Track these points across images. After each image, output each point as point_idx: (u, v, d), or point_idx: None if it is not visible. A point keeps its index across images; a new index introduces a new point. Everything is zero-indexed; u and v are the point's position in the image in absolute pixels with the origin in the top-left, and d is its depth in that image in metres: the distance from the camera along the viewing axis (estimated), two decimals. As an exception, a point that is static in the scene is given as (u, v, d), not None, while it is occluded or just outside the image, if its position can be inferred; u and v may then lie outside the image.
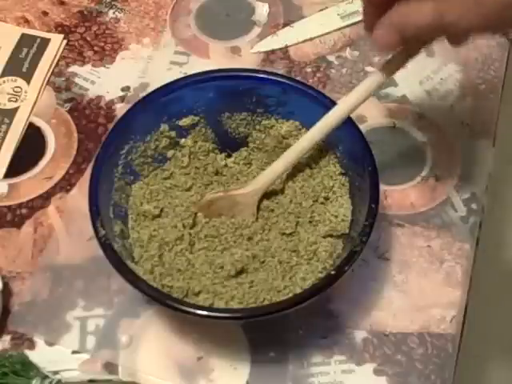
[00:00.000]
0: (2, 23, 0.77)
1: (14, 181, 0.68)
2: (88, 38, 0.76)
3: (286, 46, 0.76)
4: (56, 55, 0.75)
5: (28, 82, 0.73)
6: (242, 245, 0.60)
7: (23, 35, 0.76)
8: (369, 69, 0.74)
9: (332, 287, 0.54)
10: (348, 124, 0.59)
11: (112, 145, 0.60)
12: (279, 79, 0.62)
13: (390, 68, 0.56)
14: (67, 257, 0.64)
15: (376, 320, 0.61)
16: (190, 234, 0.60)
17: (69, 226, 0.65)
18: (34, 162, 0.69)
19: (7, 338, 0.60)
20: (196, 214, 0.61)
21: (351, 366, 0.59)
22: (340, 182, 0.61)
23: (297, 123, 0.62)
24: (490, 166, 0.69)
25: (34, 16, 0.78)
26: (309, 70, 0.74)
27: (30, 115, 0.71)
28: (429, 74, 0.74)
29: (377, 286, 0.62)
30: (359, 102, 0.57)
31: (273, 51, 0.76)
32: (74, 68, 0.74)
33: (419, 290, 0.62)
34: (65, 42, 0.76)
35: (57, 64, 0.75)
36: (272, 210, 0.62)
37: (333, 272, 0.54)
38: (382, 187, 0.61)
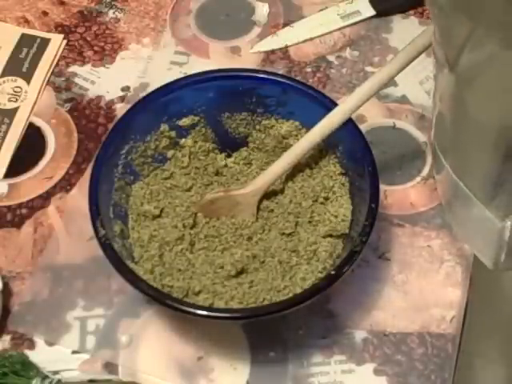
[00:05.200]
0: (2, 23, 0.77)
1: (14, 181, 0.68)
2: (88, 38, 0.76)
3: (286, 46, 0.76)
4: (56, 55, 0.75)
5: (28, 82, 0.73)
6: (242, 245, 0.60)
7: (23, 35, 0.76)
8: (369, 69, 0.74)
9: (332, 287, 0.54)
10: (348, 124, 0.59)
11: (112, 145, 0.60)
12: (279, 79, 0.62)
13: (392, 69, 0.56)
14: (67, 257, 0.64)
15: (376, 320, 0.61)
16: (191, 234, 0.60)
17: (69, 226, 0.65)
18: (34, 162, 0.69)
19: (7, 337, 0.60)
20: (196, 214, 0.62)
21: (351, 366, 0.59)
22: (340, 182, 0.61)
23: (297, 123, 0.62)
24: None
25: (34, 16, 0.78)
26: (309, 69, 0.74)
27: (30, 115, 0.71)
28: (429, 74, 0.74)
29: (377, 286, 0.62)
30: (360, 104, 0.57)
31: (273, 51, 0.75)
32: (74, 68, 0.74)
33: (419, 290, 0.62)
34: (65, 42, 0.76)
35: (57, 64, 0.75)
36: (272, 210, 0.62)
37: (333, 272, 0.54)
38: (382, 187, 0.61)
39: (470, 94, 0.49)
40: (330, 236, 0.60)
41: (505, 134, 0.48)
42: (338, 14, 0.78)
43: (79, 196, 0.66)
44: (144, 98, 0.62)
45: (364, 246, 0.54)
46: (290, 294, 0.56)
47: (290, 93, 0.61)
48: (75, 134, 0.70)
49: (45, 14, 0.78)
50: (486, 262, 0.57)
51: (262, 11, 0.78)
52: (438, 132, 0.56)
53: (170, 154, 0.64)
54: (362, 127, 0.64)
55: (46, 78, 0.73)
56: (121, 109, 0.71)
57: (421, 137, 0.70)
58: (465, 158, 0.54)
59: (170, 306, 0.53)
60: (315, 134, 0.59)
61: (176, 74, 0.73)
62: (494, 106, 0.47)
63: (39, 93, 0.72)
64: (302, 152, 0.60)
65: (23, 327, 0.61)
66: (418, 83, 0.73)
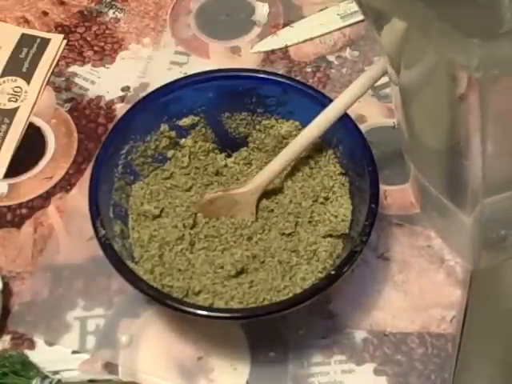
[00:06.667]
0: (2, 23, 0.77)
1: (14, 181, 0.68)
2: (88, 38, 0.76)
3: (286, 46, 0.76)
4: (56, 55, 0.75)
5: (28, 82, 0.73)
6: (242, 245, 0.60)
7: (23, 35, 0.76)
8: (369, 69, 0.74)
9: (332, 287, 0.54)
10: (348, 124, 0.59)
11: (112, 145, 0.60)
12: (279, 79, 0.62)
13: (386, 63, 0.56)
14: (67, 257, 0.64)
15: (376, 320, 0.61)
16: (191, 234, 0.60)
17: (69, 226, 0.65)
18: (34, 162, 0.69)
19: (7, 338, 0.60)
20: (196, 214, 0.62)
21: (351, 366, 0.59)
22: (340, 182, 0.61)
23: (297, 123, 0.62)
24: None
25: (34, 16, 0.78)
26: (309, 69, 0.74)
27: (30, 115, 0.71)
28: (429, 74, 0.74)
29: (377, 286, 0.62)
30: (355, 98, 0.57)
31: (273, 51, 0.75)
32: (74, 68, 0.74)
33: (419, 289, 0.62)
34: (65, 42, 0.76)
35: (57, 64, 0.75)
36: (272, 210, 0.62)
37: (333, 272, 0.54)
38: (382, 187, 0.61)
39: (411, 100, 0.50)
40: (330, 236, 0.60)
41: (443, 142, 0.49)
42: (337, 14, 0.78)
43: (79, 196, 0.66)
44: (144, 98, 0.62)
45: (364, 245, 0.54)
46: (290, 294, 0.56)
47: (290, 93, 0.61)
48: (75, 134, 0.70)
49: (45, 13, 0.78)
50: (465, 262, 0.57)
51: (262, 11, 0.78)
52: (402, 137, 0.57)
53: (170, 153, 0.64)
54: (362, 127, 0.63)
55: (46, 78, 0.73)
56: (121, 109, 0.71)
57: (421, 137, 0.70)
58: (424, 160, 0.54)
59: (170, 306, 0.53)
60: (312, 131, 0.59)
61: (176, 74, 0.73)
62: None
63: (39, 93, 0.72)
64: (299, 149, 0.59)
65: (23, 327, 0.61)
66: (418, 83, 0.73)
